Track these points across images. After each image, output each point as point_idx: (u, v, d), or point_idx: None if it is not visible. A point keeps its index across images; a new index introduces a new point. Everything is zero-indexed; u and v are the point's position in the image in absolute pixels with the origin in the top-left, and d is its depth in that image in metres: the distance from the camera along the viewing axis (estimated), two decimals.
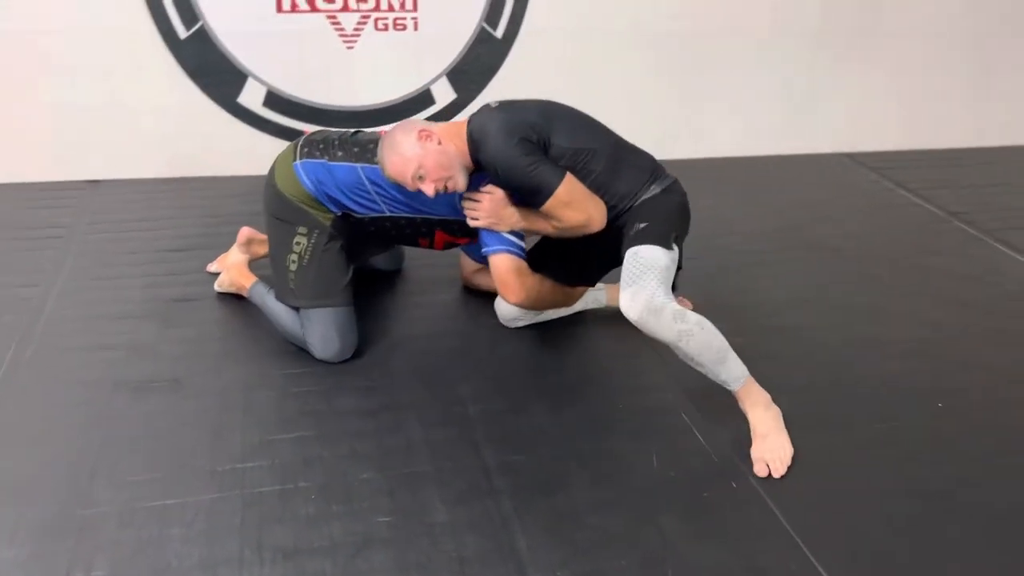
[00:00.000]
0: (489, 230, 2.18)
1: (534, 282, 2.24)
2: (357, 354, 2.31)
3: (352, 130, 2.38)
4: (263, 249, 2.57)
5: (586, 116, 2.22)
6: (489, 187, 2.14)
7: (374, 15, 3.33)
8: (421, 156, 2.04)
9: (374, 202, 2.26)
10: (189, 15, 3.17)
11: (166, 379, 2.18)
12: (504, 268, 2.17)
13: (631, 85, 3.72)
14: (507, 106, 2.14)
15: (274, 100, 3.39)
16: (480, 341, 2.43)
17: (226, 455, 1.92)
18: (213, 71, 3.29)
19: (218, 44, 3.24)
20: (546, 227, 2.17)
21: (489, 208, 2.14)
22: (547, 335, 2.44)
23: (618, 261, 2.28)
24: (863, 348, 2.46)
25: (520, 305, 2.24)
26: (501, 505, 1.82)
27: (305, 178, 2.24)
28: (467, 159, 2.11)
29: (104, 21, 3.12)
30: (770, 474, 1.93)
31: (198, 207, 3.19)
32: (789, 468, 1.95)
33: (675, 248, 2.09)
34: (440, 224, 2.32)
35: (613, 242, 2.16)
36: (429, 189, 2.06)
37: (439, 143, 2.06)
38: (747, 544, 1.75)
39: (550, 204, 2.07)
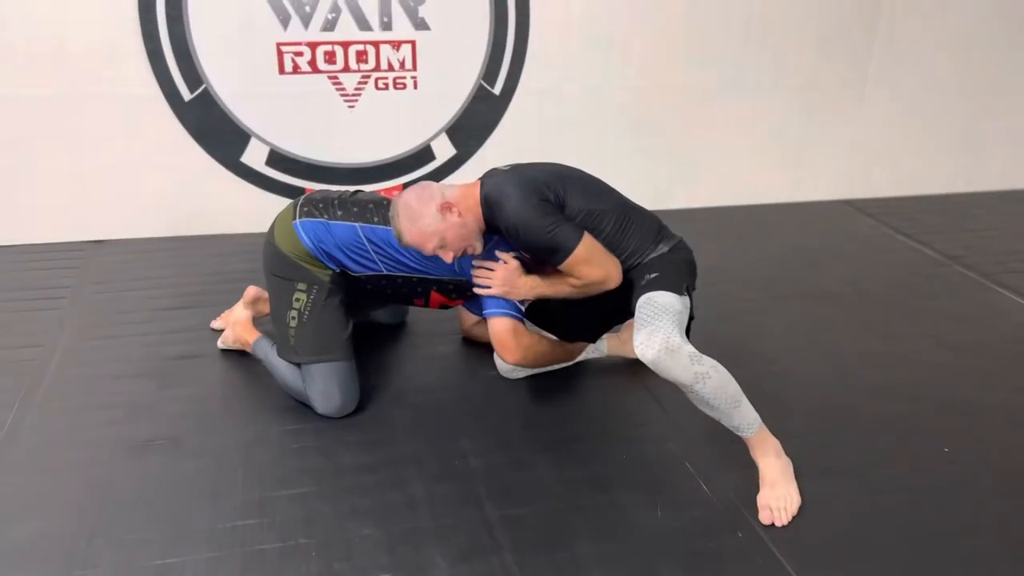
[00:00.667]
0: (500, 252, 2.19)
1: (532, 342, 2.26)
2: (357, 408, 2.30)
3: (352, 189, 2.43)
4: (268, 307, 2.59)
5: (593, 177, 2.27)
6: (502, 255, 2.17)
7: (374, 75, 3.40)
8: (444, 230, 2.07)
9: (372, 261, 2.29)
10: (193, 78, 3.24)
11: (165, 438, 2.17)
12: (502, 330, 2.19)
13: (627, 139, 3.77)
14: (518, 169, 2.18)
15: (277, 159, 3.45)
16: (480, 394, 2.42)
17: (225, 513, 1.91)
18: (217, 132, 3.35)
19: (222, 106, 3.31)
20: (563, 289, 2.18)
21: (503, 278, 2.16)
22: (548, 386, 2.44)
23: (624, 317, 2.30)
24: (865, 393, 2.44)
25: (518, 365, 2.26)
26: (504, 560, 1.80)
27: (304, 236, 2.28)
28: (482, 224, 2.15)
29: (109, 84, 3.19)
30: (774, 523, 1.91)
31: (201, 265, 3.22)
32: (794, 517, 1.93)
33: (687, 296, 2.11)
34: (436, 284, 2.35)
35: (620, 299, 2.18)
36: (448, 256, 2.11)
37: (459, 215, 2.09)
38: None
39: (570, 262, 2.09)
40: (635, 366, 2.53)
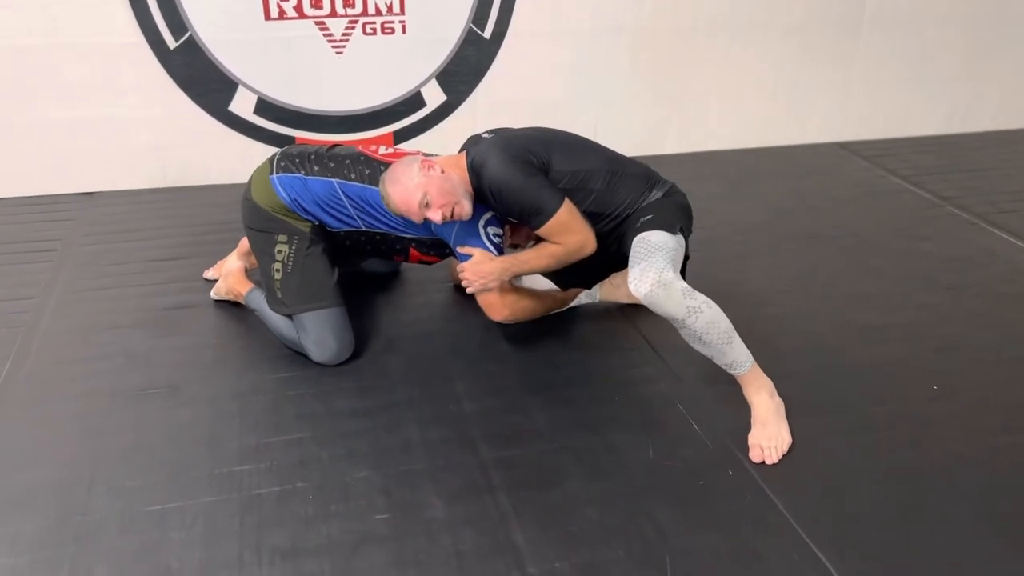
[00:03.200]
0: (464, 247, 2.21)
1: (516, 297, 2.28)
2: (353, 355, 2.32)
3: (330, 144, 2.41)
4: None
5: (578, 137, 2.27)
6: (467, 250, 2.19)
7: (362, 20, 3.34)
8: (425, 184, 2.07)
9: (350, 216, 2.29)
10: (178, 25, 3.19)
11: (162, 387, 2.19)
12: (483, 294, 2.20)
13: (618, 82, 3.73)
14: (502, 134, 2.19)
15: (265, 107, 3.40)
16: (474, 339, 2.44)
17: (223, 459, 1.93)
18: (203, 80, 3.30)
19: (208, 53, 3.26)
20: (539, 263, 2.19)
21: (473, 271, 2.17)
22: (541, 331, 2.45)
23: (619, 265, 2.31)
24: (856, 334, 2.46)
25: (506, 322, 2.27)
26: (498, 500, 1.82)
27: (281, 191, 2.28)
28: (469, 186, 2.15)
29: (93, 35, 3.13)
30: (764, 461, 1.94)
31: (192, 216, 3.20)
32: (787, 455, 1.96)
33: (681, 236, 2.12)
34: (414, 242, 2.35)
35: (615, 245, 2.20)
36: (436, 216, 2.09)
37: (441, 171, 2.10)
38: (745, 531, 1.75)
39: (550, 225, 2.10)
40: (628, 310, 2.54)
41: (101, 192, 3.38)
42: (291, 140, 3.47)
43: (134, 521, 1.75)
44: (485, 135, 2.22)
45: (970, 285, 2.75)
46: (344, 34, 3.36)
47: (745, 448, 1.98)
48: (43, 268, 2.78)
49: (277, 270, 2.29)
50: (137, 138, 3.34)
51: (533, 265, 2.20)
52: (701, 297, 1.96)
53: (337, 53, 3.38)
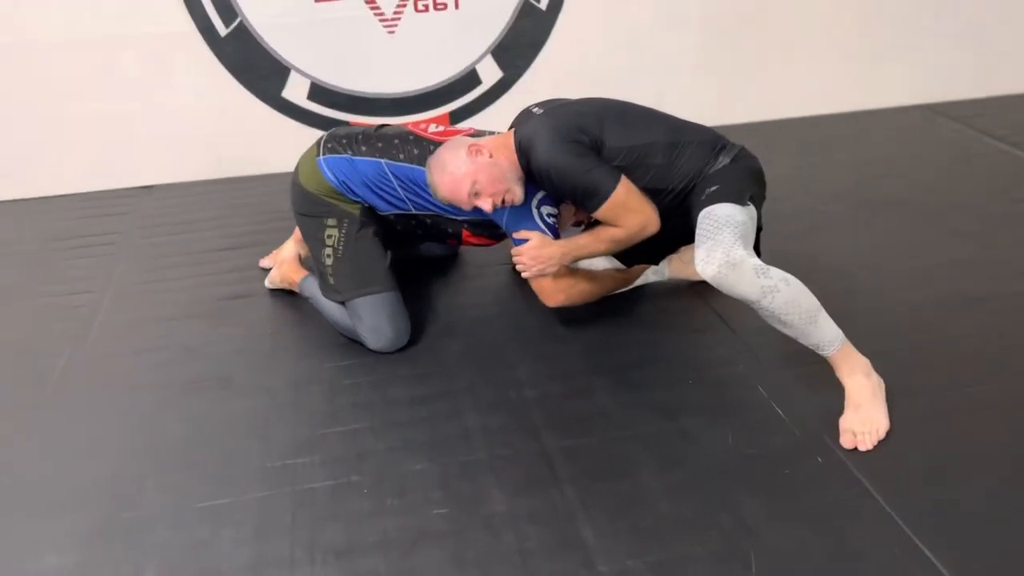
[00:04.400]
0: (518, 227, 2.08)
1: (572, 280, 2.14)
2: (409, 341, 2.21)
3: (377, 124, 2.31)
4: None
5: (636, 107, 2.10)
6: (523, 234, 2.06)
7: None
8: (474, 172, 1.96)
9: (400, 199, 2.19)
10: (228, 11, 3.13)
11: (215, 378, 2.12)
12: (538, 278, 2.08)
13: (683, 49, 3.53)
14: (552, 109, 2.04)
15: (318, 92, 3.33)
16: (535, 321, 2.30)
17: (276, 452, 1.85)
18: (255, 67, 3.24)
19: (258, 39, 3.20)
20: (598, 247, 2.06)
21: (530, 256, 2.04)
22: (606, 311, 2.30)
23: (687, 238, 2.15)
24: (955, 306, 2.24)
25: (562, 306, 2.14)
26: (564, 493, 1.69)
27: (329, 173, 2.19)
28: (519, 169, 2.02)
29: (143, 25, 3.10)
30: (856, 448, 1.76)
31: (247, 205, 3.15)
32: (884, 440, 1.77)
33: (751, 206, 1.95)
34: (466, 224, 2.24)
35: (681, 219, 2.03)
36: (487, 205, 1.98)
37: (490, 156, 1.98)
38: (839, 525, 1.58)
39: (606, 207, 1.96)
40: (699, 287, 2.37)
41: (158, 185, 3.36)
42: (345, 124, 3.39)
43: (184, 518, 1.68)
44: (535, 110, 2.08)
45: None
46: (395, 13, 3.25)
47: (836, 434, 1.80)
48: (101, 263, 2.75)
49: (328, 256, 2.20)
50: (191, 129, 3.30)
51: (592, 249, 2.07)
52: (778, 274, 1.79)
53: (389, 33, 3.28)
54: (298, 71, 3.28)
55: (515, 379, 2.07)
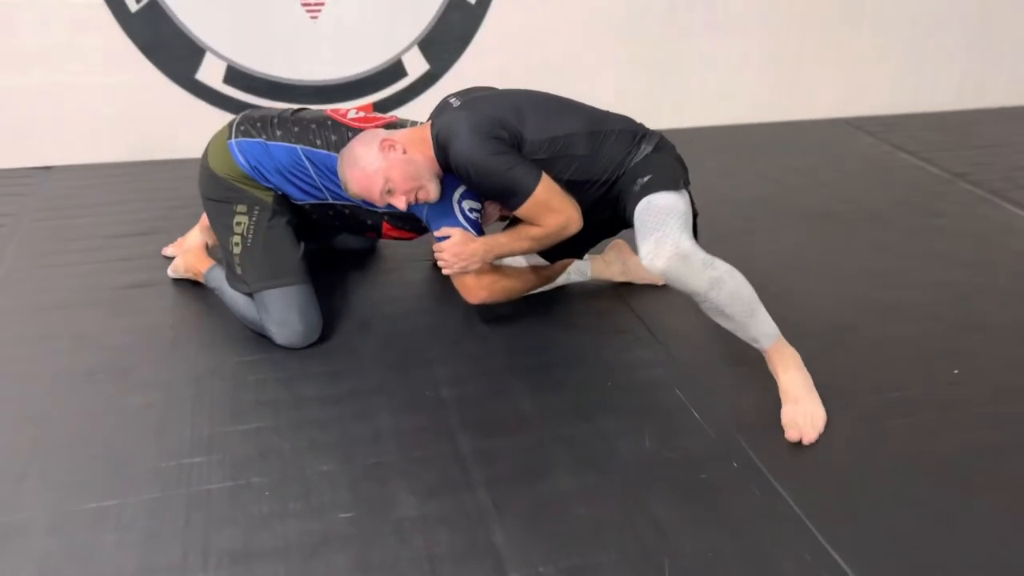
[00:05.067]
0: (439, 223, 2.02)
1: (495, 277, 2.08)
2: (321, 337, 2.12)
3: (295, 107, 2.21)
4: None
5: (555, 98, 2.06)
6: (445, 231, 2.00)
7: None
8: (387, 168, 1.88)
9: (316, 188, 2.09)
10: None
11: (110, 371, 1.99)
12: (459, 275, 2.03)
13: (610, 54, 3.52)
14: (470, 102, 1.98)
15: (235, 76, 3.19)
16: (456, 319, 2.24)
17: (171, 451, 1.73)
18: (168, 46, 3.09)
19: (172, 16, 3.04)
20: (520, 245, 2.02)
21: (452, 252, 1.98)
22: (527, 311, 2.26)
23: (613, 230, 2.12)
24: (868, 313, 2.27)
25: (484, 303, 2.08)
26: (477, 496, 1.63)
27: (240, 157, 2.08)
28: (435, 165, 1.96)
29: None
30: (801, 440, 1.77)
31: (155, 191, 2.99)
32: (797, 445, 1.77)
33: (686, 192, 1.94)
34: (386, 217, 2.16)
35: (609, 211, 2.01)
36: (400, 203, 1.91)
37: (403, 152, 1.91)
38: (753, 529, 1.56)
39: (527, 206, 1.92)
40: (621, 289, 2.35)
41: (59, 166, 3.17)
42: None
43: (65, 520, 1.55)
44: (453, 101, 2.01)
45: (989, 262, 2.56)
46: None
47: (750, 437, 1.79)
48: None
49: (236, 244, 2.09)
50: (97, 108, 3.13)
51: (513, 247, 2.02)
52: (723, 265, 1.78)
53: (312, 18, 3.17)
54: (214, 52, 3.14)
55: (432, 378, 2.00)
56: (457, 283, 2.08)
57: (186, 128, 3.21)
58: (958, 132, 3.76)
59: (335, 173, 2.05)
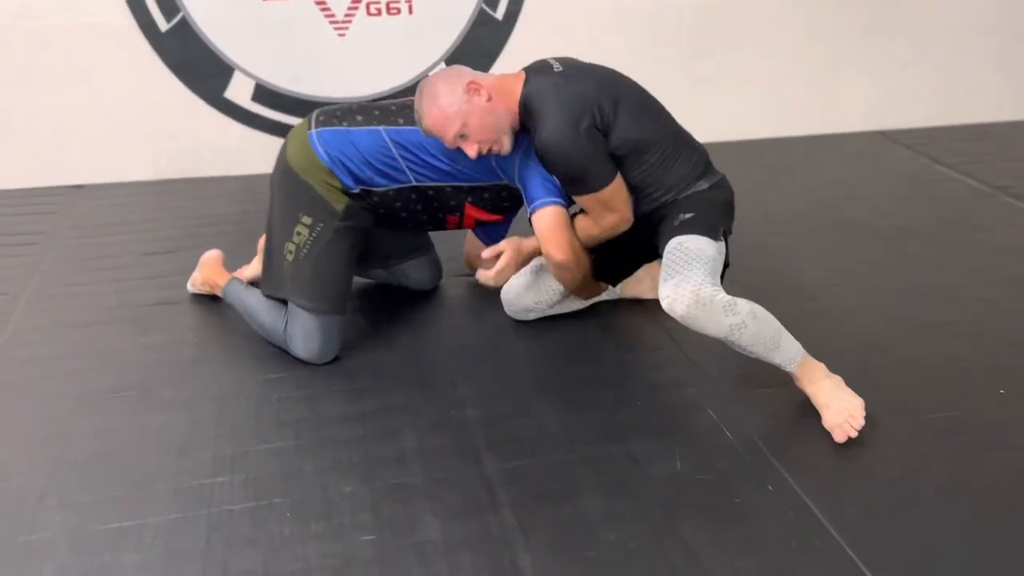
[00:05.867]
0: (534, 180, 1.95)
1: (580, 244, 1.99)
2: (346, 354, 2.10)
3: (374, 101, 2.15)
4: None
5: (648, 96, 1.99)
6: (499, 247, 2.00)
7: (365, 0, 3.14)
8: (467, 113, 1.83)
9: (399, 169, 2.03)
10: (170, 6, 2.99)
11: (133, 389, 1.97)
12: (553, 222, 1.93)
13: (641, 66, 3.46)
14: (571, 71, 1.88)
15: (263, 94, 3.20)
16: (483, 338, 2.20)
17: (193, 470, 1.71)
18: (198, 65, 3.11)
19: (202, 36, 3.06)
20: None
21: (508, 262, 2.00)
22: (556, 329, 2.21)
23: (649, 259, 2.09)
24: (910, 330, 2.20)
25: (564, 265, 1.96)
26: (503, 519, 1.59)
27: (320, 149, 2.01)
28: (516, 120, 1.89)
29: (79, 15, 2.95)
30: (850, 436, 1.75)
31: (184, 208, 3.00)
32: (835, 467, 1.71)
33: (722, 242, 1.87)
34: (470, 194, 2.09)
35: (649, 236, 1.97)
36: (471, 150, 1.86)
37: (488, 99, 1.84)
38: (788, 555, 1.50)
39: (591, 198, 1.89)
40: (652, 306, 2.29)
41: (90, 184, 3.19)
42: (290, 129, 3.25)
43: (86, 541, 1.53)
44: (554, 64, 1.91)
45: None
46: (347, 15, 3.15)
47: (785, 458, 1.73)
48: (20, 263, 2.58)
49: (290, 251, 2.03)
50: (128, 127, 3.15)
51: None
52: (744, 307, 1.73)
53: (339, 35, 3.17)
54: (243, 71, 3.15)
55: (458, 397, 1.96)
56: (547, 233, 1.94)
57: (215, 146, 3.23)
58: (997, 144, 3.66)
59: (420, 149, 2.00)
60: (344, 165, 2.01)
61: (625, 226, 1.96)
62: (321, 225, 2.02)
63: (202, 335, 2.21)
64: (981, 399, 1.93)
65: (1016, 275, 2.49)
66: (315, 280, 2.03)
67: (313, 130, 2.03)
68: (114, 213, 2.98)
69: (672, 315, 1.74)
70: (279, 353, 2.10)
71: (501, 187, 2.08)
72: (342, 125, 2.02)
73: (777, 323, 1.79)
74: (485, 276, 2.02)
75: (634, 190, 1.93)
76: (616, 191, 1.89)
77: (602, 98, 1.84)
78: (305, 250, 2.03)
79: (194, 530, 1.56)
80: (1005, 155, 3.53)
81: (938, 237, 2.76)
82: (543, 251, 1.97)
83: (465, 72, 1.88)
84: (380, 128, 2.01)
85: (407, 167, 2.03)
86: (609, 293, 2.32)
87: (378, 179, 2.04)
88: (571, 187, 1.89)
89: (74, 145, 3.14)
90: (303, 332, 2.03)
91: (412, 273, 2.37)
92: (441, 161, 2.01)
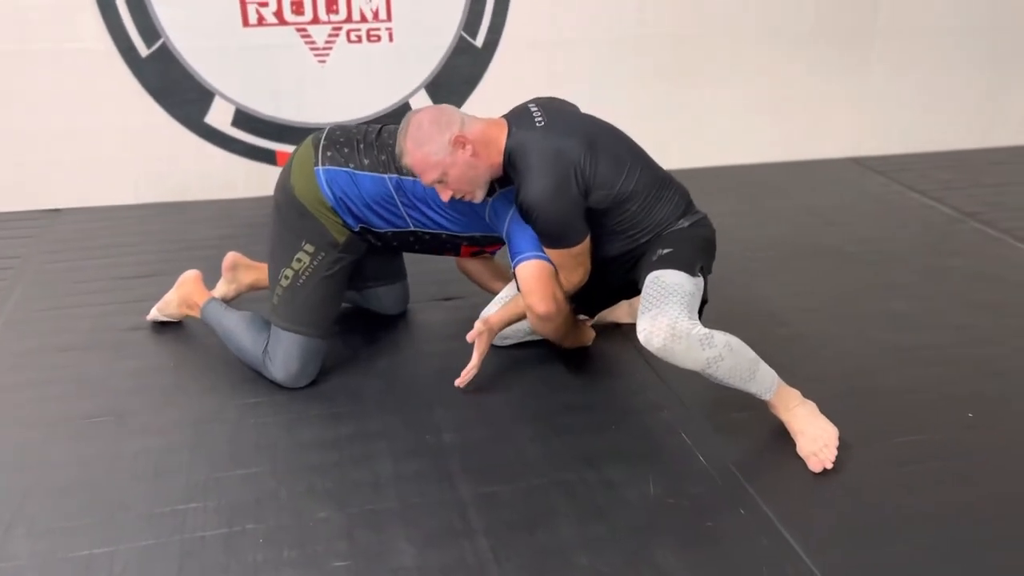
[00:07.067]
0: (520, 235, 1.97)
1: (563, 296, 2.00)
2: (324, 378, 2.10)
3: (377, 127, 2.13)
4: (249, 277, 2.39)
5: (625, 140, 2.01)
6: (473, 334, 2.04)
7: (346, 27, 3.17)
8: (448, 165, 1.85)
9: (400, 217, 2.06)
10: (150, 32, 3.01)
11: (108, 414, 1.96)
12: (537, 273, 1.94)
13: (618, 94, 3.52)
14: (553, 127, 1.89)
15: (243, 119, 3.22)
16: (459, 363, 2.18)
17: (166, 496, 1.70)
18: (177, 90, 3.12)
19: (182, 61, 3.08)
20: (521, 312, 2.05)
21: (483, 350, 2.05)
22: (533, 355, 2.23)
23: (633, 292, 2.09)
24: (883, 356, 2.23)
25: (546, 317, 1.96)
26: (477, 545, 1.59)
27: (327, 188, 2.02)
28: (499, 171, 1.92)
29: (59, 41, 2.96)
30: (825, 467, 1.77)
31: (163, 233, 3.01)
32: (807, 493, 1.72)
33: (700, 277, 1.88)
34: (467, 240, 2.15)
35: (627, 266, 1.99)
36: (445, 195, 1.89)
37: (472, 155, 1.85)
38: None
39: (561, 253, 1.92)
40: (628, 330, 2.31)
41: (69, 208, 3.19)
42: (271, 153, 3.28)
43: (56, 569, 1.52)
44: (535, 112, 1.92)
45: (1006, 304, 2.51)
46: (327, 42, 3.18)
47: (758, 483, 1.74)
48: None
49: (286, 277, 2.05)
50: (107, 152, 3.16)
51: (517, 312, 2.07)
52: (720, 340, 1.75)
53: (320, 62, 3.20)
54: (223, 96, 3.17)
55: (433, 423, 1.96)
56: (530, 286, 1.95)
57: (194, 171, 3.24)
58: (969, 171, 3.73)
59: (421, 201, 2.03)
60: (347, 206, 2.03)
61: (575, 288, 2.00)
62: (322, 255, 2.05)
63: (179, 360, 2.21)
64: (953, 425, 1.95)
65: (988, 301, 2.53)
66: (307, 305, 2.06)
67: (320, 167, 2.03)
68: (92, 237, 2.97)
69: (649, 348, 1.76)
70: (256, 378, 2.10)
71: (494, 236, 2.11)
72: (348, 166, 2.03)
73: (752, 354, 1.81)
74: (463, 381, 2.06)
75: (614, 234, 1.95)
76: (584, 251, 1.93)
77: (583, 156, 1.85)
78: (303, 277, 2.05)
79: (166, 557, 1.55)
80: (976, 182, 3.59)
81: (912, 262, 2.80)
82: (525, 304, 1.99)
83: (455, 118, 1.87)
84: (385, 176, 2.02)
85: (407, 214, 2.06)
86: (584, 315, 2.33)
87: (378, 221, 2.07)
88: (547, 242, 1.92)
89: (54, 169, 3.14)
90: (284, 354, 2.03)
91: (384, 297, 2.40)
92: (442, 215, 2.05)
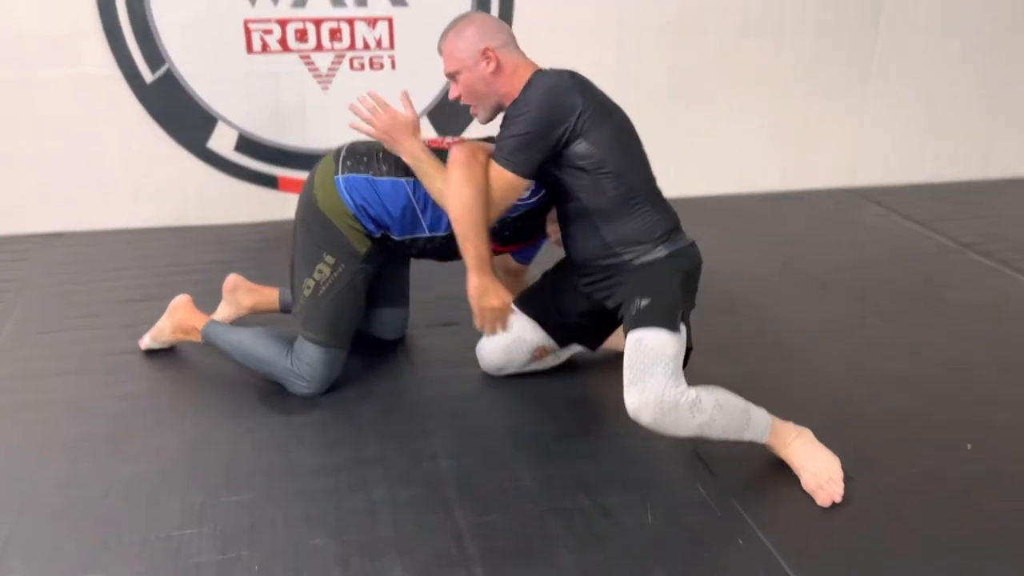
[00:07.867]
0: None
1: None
2: (320, 403, 2.10)
3: None
4: (250, 300, 2.40)
5: (638, 142, 2.03)
6: (388, 110, 2.05)
7: (349, 54, 3.20)
8: (466, 69, 1.95)
9: (417, 223, 2.09)
10: (155, 58, 3.04)
11: (104, 438, 1.96)
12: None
13: None
14: (581, 83, 1.94)
15: (246, 144, 3.24)
16: (457, 390, 2.20)
17: (161, 522, 1.69)
18: (181, 115, 3.15)
19: (186, 87, 3.11)
20: (432, 182, 1.98)
21: (387, 125, 2.03)
22: (531, 382, 2.22)
23: (616, 323, 2.08)
24: (879, 387, 2.22)
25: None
26: (473, 574, 1.57)
27: (347, 195, 2.06)
28: (505, 101, 1.97)
29: (66, 66, 2.99)
30: (834, 500, 1.77)
31: (164, 257, 3.01)
32: (805, 522, 1.71)
33: (682, 328, 1.85)
34: None
35: (603, 296, 2.02)
36: (453, 92, 2.02)
37: (492, 72, 1.93)
38: None
39: (497, 171, 1.90)
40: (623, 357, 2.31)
41: (70, 232, 3.19)
42: (273, 179, 3.30)
43: None
44: (566, 73, 1.96)
45: (1002, 335, 2.52)
46: (330, 69, 3.21)
47: (756, 512, 1.73)
48: None
49: (308, 287, 2.09)
50: (110, 175, 3.17)
51: (429, 173, 1.98)
52: (709, 402, 1.75)
53: (323, 89, 3.23)
54: (226, 122, 3.19)
55: (430, 449, 1.95)
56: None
57: (197, 195, 3.25)
58: (966, 202, 3.76)
59: (438, 207, 2.04)
60: (366, 211, 2.06)
61: (493, 219, 1.96)
62: (343, 266, 2.08)
63: (175, 384, 2.20)
64: (949, 456, 1.95)
65: (983, 332, 2.53)
66: (330, 317, 2.09)
67: (340, 175, 2.08)
68: (90, 261, 2.98)
69: (638, 422, 1.76)
70: (254, 402, 2.09)
71: (508, 223, 2.11)
72: (368, 173, 2.07)
73: (742, 403, 1.80)
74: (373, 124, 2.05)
75: (590, 226, 1.95)
76: (517, 190, 1.91)
77: (591, 109, 1.88)
78: (324, 287, 2.08)
79: None
80: (973, 213, 3.62)
81: (908, 293, 2.81)
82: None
83: (499, 37, 1.95)
84: (402, 179, 2.06)
85: (423, 220, 2.09)
86: (554, 357, 2.30)
87: (395, 228, 2.10)
88: (499, 149, 1.91)
89: (56, 193, 3.16)
90: (310, 363, 2.08)
91: (387, 320, 2.40)
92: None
